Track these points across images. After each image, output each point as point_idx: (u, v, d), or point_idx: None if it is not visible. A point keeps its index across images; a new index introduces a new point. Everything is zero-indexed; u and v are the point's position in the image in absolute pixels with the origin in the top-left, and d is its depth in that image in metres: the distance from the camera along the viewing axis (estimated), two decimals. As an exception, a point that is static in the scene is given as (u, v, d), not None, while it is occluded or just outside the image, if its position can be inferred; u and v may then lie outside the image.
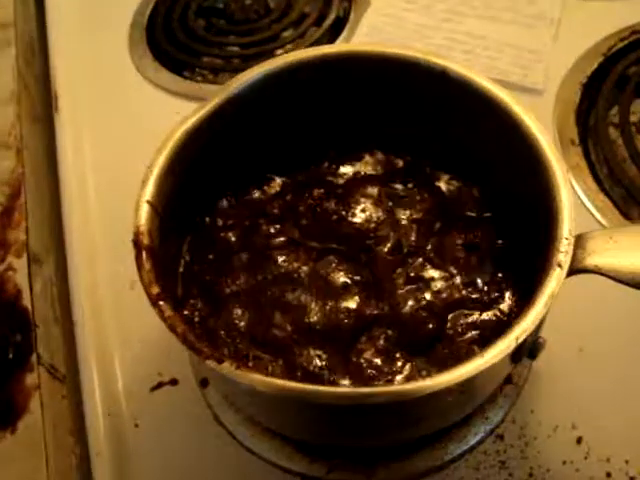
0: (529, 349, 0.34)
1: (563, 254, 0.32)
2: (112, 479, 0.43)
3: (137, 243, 0.33)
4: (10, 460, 0.42)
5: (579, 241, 0.33)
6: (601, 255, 0.32)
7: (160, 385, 0.46)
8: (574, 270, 0.32)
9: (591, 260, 0.32)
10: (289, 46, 0.64)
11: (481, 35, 0.62)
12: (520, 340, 0.30)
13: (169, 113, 0.59)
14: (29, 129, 0.61)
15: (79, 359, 0.48)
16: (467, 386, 0.32)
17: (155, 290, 0.32)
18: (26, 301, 0.48)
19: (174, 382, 0.46)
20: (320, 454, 0.41)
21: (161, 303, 0.32)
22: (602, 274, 0.32)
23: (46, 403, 0.45)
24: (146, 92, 0.63)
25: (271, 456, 0.42)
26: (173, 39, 0.67)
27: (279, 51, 0.64)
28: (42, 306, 0.50)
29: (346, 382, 0.35)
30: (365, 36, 0.63)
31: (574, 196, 0.51)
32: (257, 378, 0.30)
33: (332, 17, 0.66)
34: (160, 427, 0.45)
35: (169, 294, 0.33)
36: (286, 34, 0.66)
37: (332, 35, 0.65)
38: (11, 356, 0.46)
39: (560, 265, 0.31)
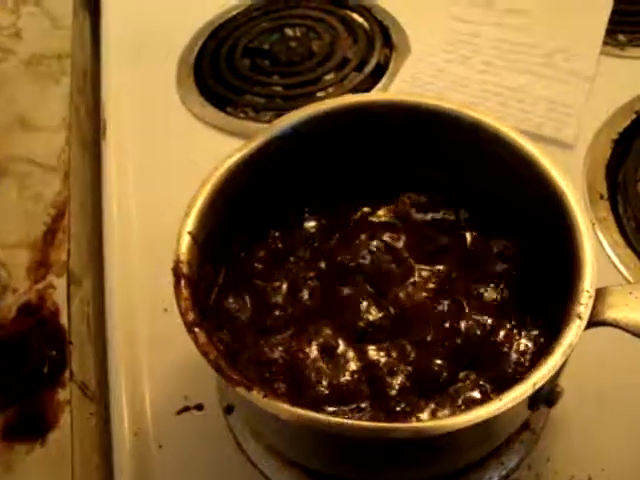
0: (546, 397, 0.35)
1: (583, 306, 0.33)
2: (134, 497, 0.44)
3: (176, 272, 0.35)
4: (38, 471, 0.44)
5: (599, 295, 0.34)
6: (620, 309, 0.34)
7: (186, 409, 0.48)
8: (593, 322, 0.33)
9: (610, 314, 0.34)
10: (330, 89, 0.67)
11: (516, 88, 0.64)
12: (538, 386, 0.31)
13: (211, 147, 0.62)
14: (77, 154, 0.64)
15: (110, 378, 0.50)
16: (484, 428, 0.33)
17: (191, 317, 0.34)
18: (63, 319, 0.50)
19: (200, 407, 0.47)
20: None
21: (196, 330, 0.33)
22: (620, 327, 0.34)
23: (75, 419, 0.46)
24: (190, 125, 0.66)
25: (290, 486, 0.43)
26: (219, 76, 0.70)
27: (320, 93, 0.66)
28: (78, 325, 0.52)
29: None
30: (403, 83, 0.65)
31: (600, 249, 0.52)
32: (283, 407, 0.31)
33: (373, 63, 0.68)
34: (183, 450, 0.46)
35: (203, 322, 0.34)
36: (327, 77, 0.68)
37: (372, 81, 0.68)
38: (46, 370, 0.48)
39: (580, 317, 0.33)
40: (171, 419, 0.47)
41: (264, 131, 0.42)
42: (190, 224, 0.37)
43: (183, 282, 0.35)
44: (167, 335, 0.50)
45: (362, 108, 0.44)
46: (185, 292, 0.35)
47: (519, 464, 0.44)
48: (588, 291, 0.33)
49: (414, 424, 0.33)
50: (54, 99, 0.66)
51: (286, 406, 0.31)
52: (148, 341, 0.51)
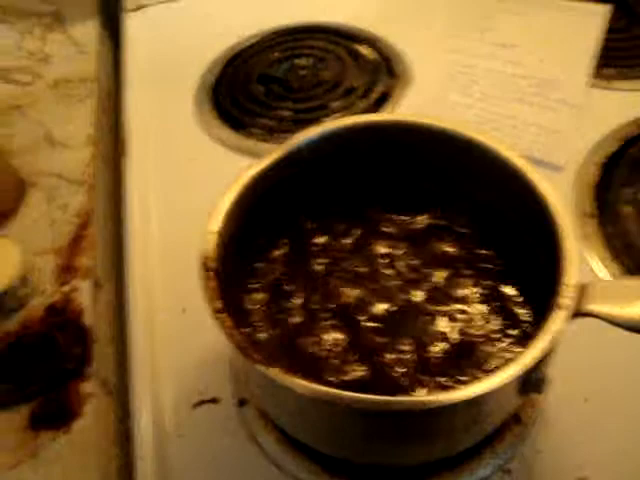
0: (535, 383, 0.39)
1: (567, 298, 0.36)
2: (153, 481, 0.47)
3: (204, 265, 0.39)
4: (62, 458, 0.47)
5: (584, 288, 0.37)
6: (604, 301, 0.37)
7: (202, 402, 0.50)
8: (577, 313, 0.37)
9: (594, 305, 0.37)
10: (337, 115, 0.71)
11: (510, 115, 0.68)
12: (528, 366, 0.35)
13: (225, 164, 0.66)
14: (101, 169, 0.68)
15: (131, 375, 0.52)
16: (477, 407, 0.37)
17: (218, 304, 0.37)
18: (87, 319, 0.53)
19: (214, 400, 0.50)
20: (349, 475, 0.45)
21: (221, 315, 0.37)
22: (603, 319, 0.37)
23: (97, 411, 0.49)
24: (206, 144, 0.70)
25: (301, 474, 0.46)
26: (235, 101, 0.74)
27: (326, 119, 0.70)
28: (101, 325, 0.55)
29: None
30: (406, 110, 0.70)
31: (585, 263, 0.56)
32: (298, 382, 0.35)
33: (378, 92, 0.73)
34: (200, 440, 0.48)
35: (228, 309, 0.38)
36: (335, 104, 0.72)
37: (377, 107, 0.72)
38: (70, 366, 0.51)
39: (563, 307, 0.36)
40: (188, 412, 0.50)
41: (281, 147, 0.46)
42: (216, 224, 0.41)
43: (210, 274, 0.39)
44: (185, 334, 0.54)
45: (366, 126, 0.48)
46: (212, 283, 0.38)
47: (512, 456, 0.46)
48: (569, 284, 0.37)
49: (412, 397, 0.37)
50: (79, 119, 0.71)
51: (301, 380, 0.35)
52: (167, 340, 0.54)
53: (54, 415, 0.49)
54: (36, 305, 0.54)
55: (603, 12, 0.77)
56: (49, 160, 0.67)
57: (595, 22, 0.75)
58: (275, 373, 0.35)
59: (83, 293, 0.55)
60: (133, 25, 0.86)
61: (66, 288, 0.56)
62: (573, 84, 0.70)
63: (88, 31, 0.83)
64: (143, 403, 0.51)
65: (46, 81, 0.76)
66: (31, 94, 0.74)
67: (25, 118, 0.72)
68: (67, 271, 0.57)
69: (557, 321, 0.36)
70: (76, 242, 0.60)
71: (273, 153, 0.45)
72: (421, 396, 0.38)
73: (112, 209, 0.68)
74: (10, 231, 0.60)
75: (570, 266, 0.37)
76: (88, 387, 0.50)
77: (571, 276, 0.37)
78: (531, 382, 0.38)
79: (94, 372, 0.51)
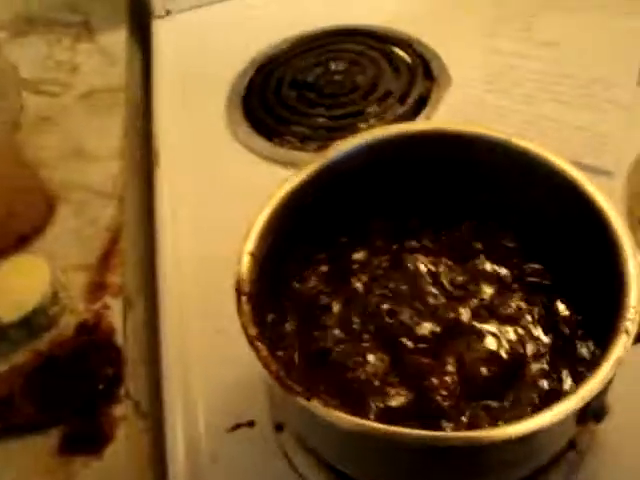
0: (595, 412, 0.36)
1: (630, 322, 0.34)
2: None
3: (238, 289, 0.37)
4: (94, 484, 0.45)
5: (646, 311, 0.35)
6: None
7: (238, 426, 0.49)
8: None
9: None
10: (372, 121, 0.68)
11: (555, 118, 0.65)
12: (587, 399, 0.32)
13: (258, 174, 0.64)
14: (131, 181, 0.67)
15: (164, 397, 0.51)
16: (533, 440, 0.34)
17: (253, 331, 0.36)
18: (118, 339, 0.52)
19: (251, 424, 0.49)
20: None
21: (257, 343, 0.35)
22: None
23: (130, 435, 0.48)
24: (238, 154, 0.68)
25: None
26: (267, 108, 0.72)
27: (363, 125, 0.68)
28: (132, 345, 0.54)
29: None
30: (445, 114, 0.67)
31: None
32: (342, 416, 0.33)
33: (415, 95, 0.70)
34: (236, 466, 0.47)
35: (264, 335, 0.36)
36: (370, 109, 0.70)
37: (414, 112, 0.69)
38: (102, 387, 0.50)
39: (627, 332, 0.34)
40: (223, 436, 0.48)
41: (316, 159, 0.44)
42: (251, 244, 0.39)
43: (244, 298, 0.37)
44: (219, 356, 0.52)
45: (408, 137, 0.46)
46: (246, 308, 0.37)
47: (566, 483, 0.44)
48: (634, 307, 0.34)
49: (464, 434, 0.35)
50: (108, 130, 0.69)
51: (344, 415, 0.33)
52: (201, 361, 0.53)
53: (86, 439, 0.48)
54: (66, 324, 0.53)
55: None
56: (79, 173, 0.66)
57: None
58: (316, 406, 0.33)
59: (114, 311, 0.54)
60: (162, 32, 0.84)
61: (97, 306, 0.55)
62: (622, 84, 0.67)
63: (117, 40, 0.82)
64: (177, 427, 0.50)
65: (76, 92, 0.75)
66: (60, 105, 0.74)
67: (55, 130, 0.71)
68: (98, 288, 0.56)
69: (620, 348, 0.34)
70: (106, 258, 0.58)
71: (308, 167, 0.43)
72: (474, 432, 0.36)
73: (144, 223, 0.66)
74: (39, 247, 0.59)
75: (633, 290, 0.34)
76: (120, 410, 0.49)
77: (636, 301, 0.34)
78: (590, 411, 0.36)
79: (126, 394, 0.50)
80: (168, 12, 0.85)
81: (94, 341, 0.52)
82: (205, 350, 0.53)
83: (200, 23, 0.85)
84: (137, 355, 0.55)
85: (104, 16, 0.85)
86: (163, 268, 0.59)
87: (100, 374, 0.50)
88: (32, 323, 0.51)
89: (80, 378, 0.50)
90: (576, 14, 0.76)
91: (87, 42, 0.82)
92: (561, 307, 0.44)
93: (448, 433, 0.33)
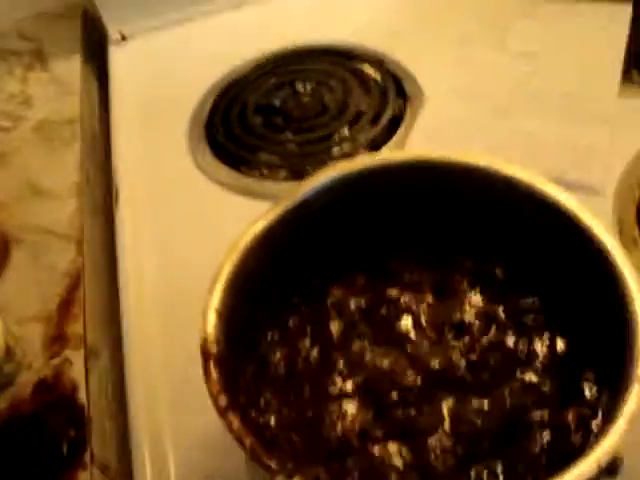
0: (609, 468, 0.33)
1: (644, 371, 0.31)
2: None
3: (204, 352, 0.34)
4: None
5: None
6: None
7: (211, 484, 0.45)
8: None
9: None
10: (345, 144, 0.65)
11: (536, 132, 0.63)
12: (602, 464, 0.29)
13: (226, 208, 0.61)
14: (89, 221, 0.63)
15: (132, 454, 0.48)
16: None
17: (223, 401, 0.32)
18: (81, 395, 0.49)
19: (226, 484, 0.45)
20: None
21: (229, 415, 0.32)
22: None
23: (97, 502, 0.44)
24: (204, 187, 0.64)
25: None
26: (231, 135, 0.68)
27: (335, 148, 0.65)
28: (97, 401, 0.51)
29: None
30: (421, 135, 0.64)
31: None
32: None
33: (388, 115, 0.67)
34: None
35: (237, 403, 0.32)
36: (342, 132, 0.67)
37: (388, 133, 0.66)
38: (65, 451, 0.46)
39: (640, 381, 0.31)
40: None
41: (287, 197, 0.41)
42: (215, 300, 0.36)
43: (212, 362, 0.33)
44: (191, 406, 0.48)
45: (385, 167, 0.43)
46: (215, 373, 0.33)
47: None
48: (647, 357, 0.31)
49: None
50: (65, 165, 0.66)
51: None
52: (171, 415, 0.49)
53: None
54: (23, 382, 0.50)
55: (629, 12, 0.71)
56: (34, 213, 0.62)
57: (621, 24, 0.70)
58: (297, 485, 0.30)
59: (76, 366, 0.51)
60: (118, 58, 0.81)
61: (56, 361, 0.51)
62: (603, 96, 0.65)
63: (71, 67, 0.78)
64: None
65: (29, 125, 0.72)
66: (13, 140, 0.70)
67: (8, 166, 0.67)
68: (57, 341, 0.53)
69: (634, 399, 0.30)
70: (66, 307, 0.55)
71: (276, 207, 0.40)
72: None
73: (107, 265, 0.63)
74: (-8, 297, 0.55)
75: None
76: (85, 476, 0.45)
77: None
78: (605, 468, 0.32)
79: (91, 458, 0.46)
80: (124, 37, 0.81)
81: (54, 400, 0.49)
82: (175, 402, 0.50)
83: (158, 47, 0.81)
84: (103, 409, 0.51)
85: (56, 42, 0.81)
86: (127, 314, 0.55)
87: (62, 436, 0.47)
88: (-16, 384, 0.48)
89: (40, 443, 0.47)
90: (554, 24, 0.73)
91: (40, 71, 0.78)
92: (560, 345, 0.40)
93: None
